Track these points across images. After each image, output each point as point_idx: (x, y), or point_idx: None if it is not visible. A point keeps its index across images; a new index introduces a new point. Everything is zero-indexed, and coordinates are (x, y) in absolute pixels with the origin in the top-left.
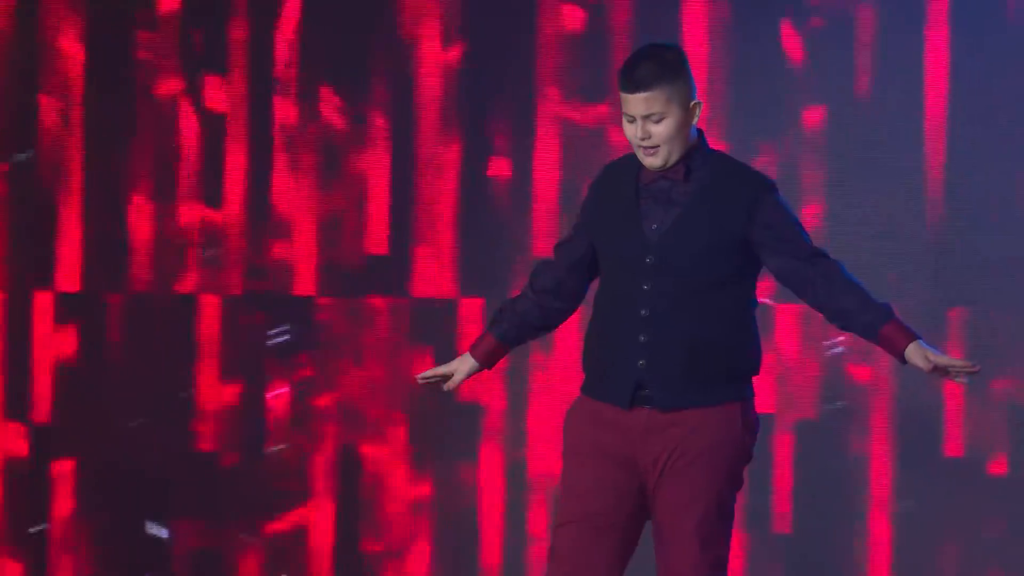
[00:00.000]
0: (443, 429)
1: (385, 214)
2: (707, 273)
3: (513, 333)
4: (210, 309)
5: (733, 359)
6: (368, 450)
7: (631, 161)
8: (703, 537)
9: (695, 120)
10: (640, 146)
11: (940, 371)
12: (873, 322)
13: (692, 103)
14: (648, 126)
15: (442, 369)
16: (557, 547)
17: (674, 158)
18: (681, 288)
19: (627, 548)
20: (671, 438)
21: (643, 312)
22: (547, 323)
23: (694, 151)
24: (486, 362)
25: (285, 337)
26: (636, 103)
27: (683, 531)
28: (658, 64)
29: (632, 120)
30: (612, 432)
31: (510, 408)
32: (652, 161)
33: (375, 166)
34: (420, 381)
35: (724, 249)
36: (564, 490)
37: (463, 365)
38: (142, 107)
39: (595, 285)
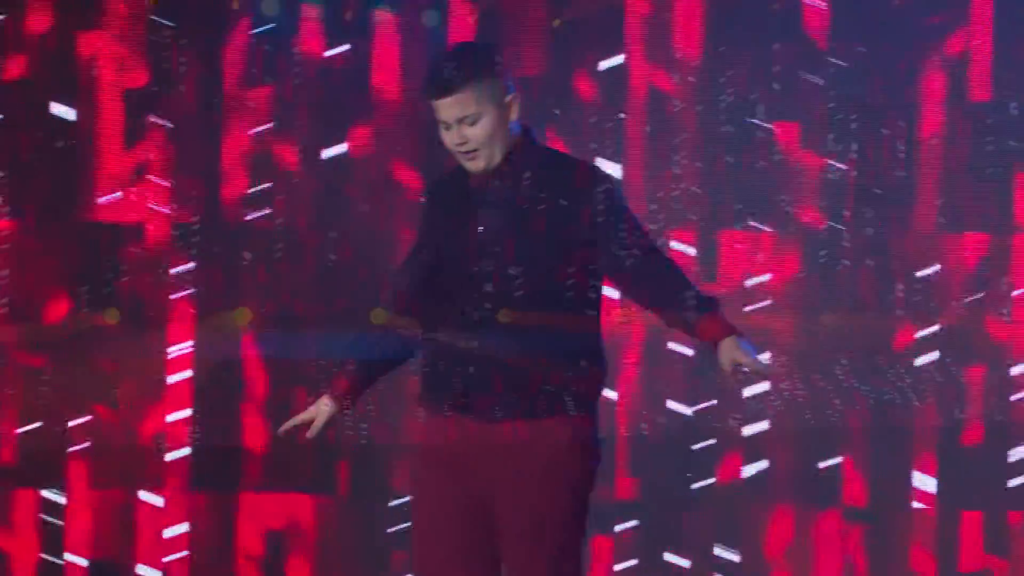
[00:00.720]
0: None
1: None
2: (541, 275)
3: (371, 369)
4: None
5: (571, 368)
6: None
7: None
8: (549, 559)
9: (514, 115)
10: (459, 152)
11: (753, 373)
12: (692, 317)
13: (508, 98)
14: (464, 130)
15: (301, 418)
16: (423, 567)
17: (497, 158)
18: (513, 293)
19: (493, 560)
20: (505, 454)
21: (475, 317)
22: (412, 349)
23: (518, 147)
24: (346, 403)
25: None
26: (446, 108)
27: (528, 557)
28: (462, 64)
29: (448, 127)
30: (447, 444)
31: None
32: (474, 165)
33: None
34: (281, 434)
35: (558, 248)
36: (413, 508)
37: (322, 410)
38: None
39: None
